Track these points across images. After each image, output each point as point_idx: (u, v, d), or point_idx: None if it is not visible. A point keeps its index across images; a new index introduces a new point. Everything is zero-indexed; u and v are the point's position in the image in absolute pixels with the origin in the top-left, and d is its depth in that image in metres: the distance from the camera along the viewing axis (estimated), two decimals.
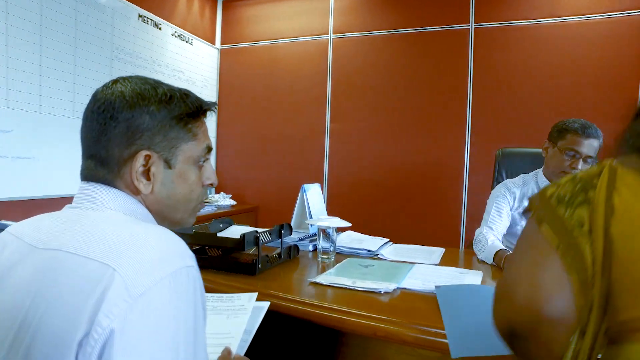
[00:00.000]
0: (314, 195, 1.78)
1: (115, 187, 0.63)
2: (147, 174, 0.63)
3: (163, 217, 0.68)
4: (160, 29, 2.84)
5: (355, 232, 1.91)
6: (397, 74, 3.03)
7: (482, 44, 2.82)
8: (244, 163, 3.42)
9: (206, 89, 3.32)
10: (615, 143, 0.66)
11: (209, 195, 3.11)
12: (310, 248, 1.61)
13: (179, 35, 3.02)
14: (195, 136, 0.68)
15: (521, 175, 1.77)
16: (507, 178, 2.16)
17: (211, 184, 0.75)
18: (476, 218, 2.87)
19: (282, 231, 1.38)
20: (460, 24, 2.87)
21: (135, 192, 0.63)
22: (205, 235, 1.28)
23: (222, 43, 3.48)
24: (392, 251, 1.60)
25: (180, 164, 0.66)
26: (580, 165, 1.52)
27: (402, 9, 3.00)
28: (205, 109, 0.70)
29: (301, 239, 1.63)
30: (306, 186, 1.75)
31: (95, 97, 0.64)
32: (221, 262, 1.24)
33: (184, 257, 0.55)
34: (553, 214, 0.57)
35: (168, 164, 0.65)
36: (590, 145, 1.52)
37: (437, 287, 1.09)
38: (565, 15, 2.65)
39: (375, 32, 3.07)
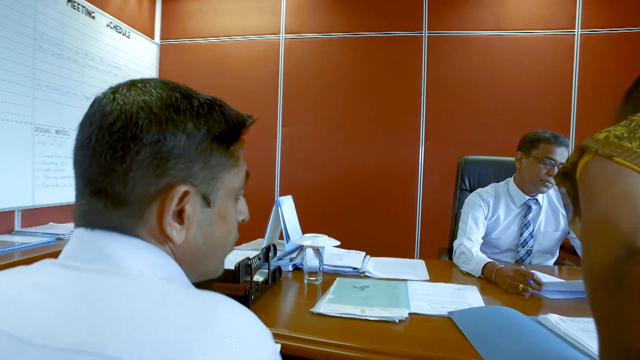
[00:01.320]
0: (288, 209, 1.66)
1: (136, 236, 0.45)
2: (180, 215, 0.46)
3: (192, 270, 0.51)
4: (93, 17, 2.50)
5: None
6: (352, 78, 2.99)
7: (435, 51, 2.88)
8: None
9: None
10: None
11: None
12: (290, 268, 1.49)
13: (114, 27, 2.68)
14: (237, 161, 0.53)
15: (492, 185, 1.80)
16: (470, 185, 2.21)
17: (243, 220, 0.60)
18: (430, 222, 2.95)
19: (269, 254, 1.24)
20: (414, 31, 2.90)
21: (162, 241, 0.46)
22: None
23: (162, 38, 3.17)
24: (376, 267, 1.53)
25: (221, 199, 0.50)
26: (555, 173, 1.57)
27: (356, 13, 2.96)
28: (249, 124, 0.55)
29: (279, 258, 1.50)
30: (281, 199, 1.61)
31: (102, 109, 0.45)
32: None
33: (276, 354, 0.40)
34: (621, 147, 0.57)
35: (207, 201, 0.48)
36: (562, 153, 1.58)
37: (450, 312, 1.03)
38: (509, 29, 2.80)
39: (329, 35, 3.00)
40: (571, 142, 2.76)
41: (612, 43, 2.70)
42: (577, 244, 1.67)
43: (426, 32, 2.88)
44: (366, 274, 1.43)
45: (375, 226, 3.01)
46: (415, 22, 2.90)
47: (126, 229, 0.45)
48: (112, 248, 0.43)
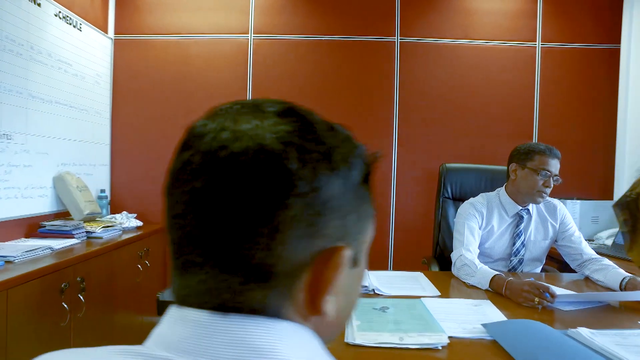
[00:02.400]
0: None
1: (285, 317, 0.34)
2: None
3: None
4: (39, 5, 2.19)
5: None
6: (323, 82, 2.91)
7: (407, 57, 2.89)
8: (148, 176, 2.90)
9: (98, 87, 2.71)
10: None
11: (110, 217, 2.54)
12: None
13: (64, 17, 2.38)
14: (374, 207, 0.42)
15: (482, 195, 1.82)
16: (452, 193, 2.23)
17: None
18: (404, 231, 2.95)
19: None
20: (386, 37, 2.89)
21: (306, 317, 0.35)
22: None
23: (116, 32, 2.89)
24: (380, 283, 1.46)
25: (364, 255, 0.40)
26: (552, 184, 1.61)
27: (329, 15, 2.90)
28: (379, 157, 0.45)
29: None
30: None
31: (221, 143, 0.32)
32: None
33: None
34: None
35: (355, 261, 0.37)
36: (556, 165, 1.63)
37: (484, 324, 1.00)
38: (477, 38, 2.89)
39: (301, 37, 2.90)
40: None
41: (570, 57, 2.88)
42: (565, 252, 1.73)
43: (399, 37, 2.89)
44: (375, 291, 1.37)
45: None
46: (388, 28, 2.89)
47: (272, 310, 0.33)
48: (263, 339, 0.32)
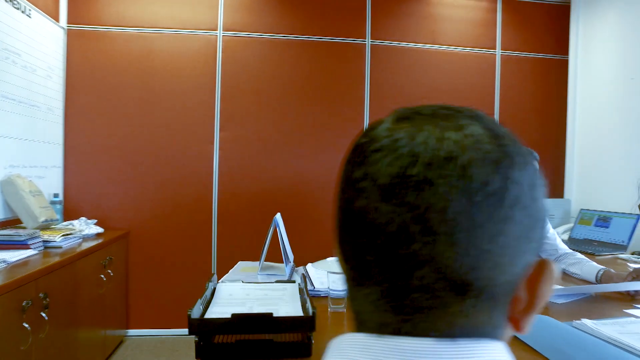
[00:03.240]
0: (282, 228, 1.50)
1: (499, 337, 0.32)
2: None
3: None
4: None
5: (314, 264, 1.70)
6: (295, 83, 2.88)
7: (378, 60, 2.94)
8: (107, 178, 2.69)
9: (50, 81, 2.47)
10: None
11: (66, 224, 2.32)
12: None
13: (10, 0, 2.14)
14: None
15: None
16: None
17: None
18: None
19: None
20: (357, 39, 2.91)
21: (504, 335, 0.33)
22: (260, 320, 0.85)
23: (70, 22, 2.65)
24: None
25: None
26: None
27: (300, 15, 2.87)
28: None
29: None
30: (277, 217, 1.45)
31: (446, 156, 0.30)
32: (269, 349, 0.88)
33: None
34: None
35: None
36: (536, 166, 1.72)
37: None
38: (443, 44, 3.00)
39: (271, 35, 2.84)
40: None
41: (526, 65, 3.08)
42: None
43: (369, 40, 2.92)
44: None
45: (319, 236, 2.94)
46: (359, 30, 2.92)
47: (492, 331, 0.31)
48: None
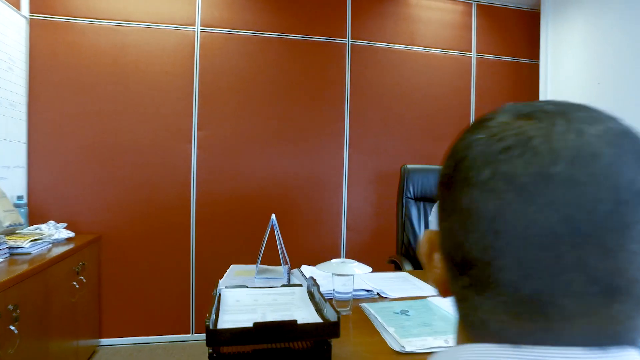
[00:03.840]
0: (278, 229, 1.45)
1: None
2: None
3: None
4: None
5: (308, 267, 1.66)
6: (276, 81, 2.82)
7: (358, 60, 2.93)
8: (76, 179, 2.53)
9: (12, 74, 2.28)
10: None
11: (33, 228, 2.15)
12: None
13: None
14: None
15: None
16: (413, 192, 2.31)
17: None
18: (355, 229, 2.99)
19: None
20: (338, 38, 2.90)
21: None
22: (284, 328, 0.80)
23: (32, 11, 2.46)
24: (381, 286, 1.45)
25: None
26: None
27: (280, 12, 2.81)
28: None
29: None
30: (274, 218, 1.40)
31: (593, 151, 0.28)
32: (288, 357, 0.83)
33: None
34: None
35: None
36: None
37: None
38: (422, 45, 3.04)
39: (251, 33, 2.77)
40: None
41: (500, 68, 3.18)
42: None
43: (349, 40, 2.92)
44: (381, 294, 1.35)
45: (300, 237, 2.90)
46: (340, 30, 2.90)
47: (634, 338, 0.29)
48: None
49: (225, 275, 1.41)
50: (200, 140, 2.71)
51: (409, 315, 1.14)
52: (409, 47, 3.02)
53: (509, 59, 3.20)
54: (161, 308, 2.67)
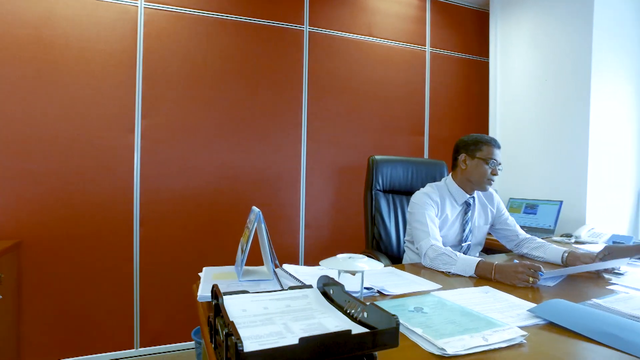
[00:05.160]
0: (264, 224, 1.27)
1: None
2: None
3: None
4: None
5: (291, 265, 1.51)
6: (229, 66, 2.60)
7: (316, 48, 2.81)
8: None
9: None
10: None
11: None
12: None
13: None
14: None
15: (431, 185, 1.85)
16: (383, 184, 2.24)
17: None
18: (314, 225, 2.85)
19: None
20: (295, 24, 2.75)
21: None
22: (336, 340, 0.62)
23: None
24: (378, 282, 1.34)
25: None
26: (498, 172, 1.74)
27: None
28: None
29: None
30: (259, 211, 1.22)
31: None
32: None
33: None
34: None
35: None
36: (500, 154, 1.76)
37: (530, 310, 0.98)
38: (379, 37, 2.99)
39: (203, 13, 2.52)
40: (426, 142, 3.17)
41: (453, 64, 3.24)
42: (502, 234, 1.89)
43: (307, 27, 2.78)
44: (382, 292, 1.23)
45: (255, 235, 2.70)
46: (297, 16, 2.75)
47: None
48: None
49: (201, 280, 1.21)
50: (145, 130, 2.41)
51: (426, 313, 1.04)
52: (366, 37, 2.95)
53: (462, 55, 3.28)
54: (98, 322, 2.32)
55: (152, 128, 2.42)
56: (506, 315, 1.03)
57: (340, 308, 0.84)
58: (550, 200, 2.50)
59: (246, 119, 2.65)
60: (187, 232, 2.51)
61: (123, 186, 2.36)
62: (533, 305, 1.10)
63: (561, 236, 2.29)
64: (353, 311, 0.79)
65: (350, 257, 1.07)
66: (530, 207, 2.55)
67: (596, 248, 1.95)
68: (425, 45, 3.14)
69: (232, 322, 0.63)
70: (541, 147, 2.75)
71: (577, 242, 2.12)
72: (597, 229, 2.18)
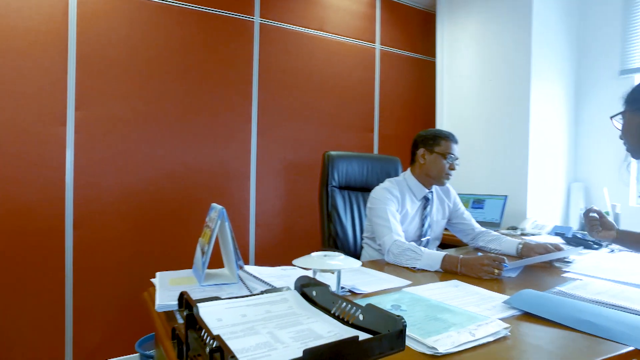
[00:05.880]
0: (228, 222, 1.17)
1: None
2: None
3: None
4: None
5: (251, 267, 1.41)
6: (174, 56, 2.42)
7: (267, 41, 2.70)
8: None
9: None
10: None
11: None
12: None
13: None
14: None
15: (391, 180, 1.84)
16: (338, 180, 2.20)
17: None
18: (265, 224, 2.75)
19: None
20: (245, 15, 2.62)
21: None
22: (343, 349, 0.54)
23: None
24: (349, 281, 1.29)
25: None
26: (455, 167, 1.76)
27: None
28: None
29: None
30: (221, 208, 1.12)
31: None
32: None
33: None
34: None
35: None
36: (457, 149, 1.79)
37: (505, 301, 0.99)
38: (331, 32, 2.96)
39: None
40: (375, 139, 3.19)
41: (402, 62, 3.29)
42: (459, 229, 1.93)
43: (258, 18, 2.67)
44: (353, 291, 1.18)
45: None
46: (248, 5, 2.63)
47: None
48: None
49: (157, 287, 1.08)
50: (79, 123, 2.17)
51: (405, 311, 1.00)
52: (319, 32, 2.91)
53: (410, 54, 3.34)
54: (22, 338, 2.05)
55: (87, 121, 2.18)
56: (483, 308, 1.02)
57: (325, 311, 0.78)
58: (496, 195, 2.62)
59: (193, 113, 2.48)
60: (128, 235, 2.30)
61: (53, 185, 2.10)
62: (503, 296, 1.11)
63: (507, 229, 2.40)
64: (343, 313, 0.73)
65: (325, 255, 1.01)
66: (478, 202, 2.66)
67: (541, 239, 2.06)
68: (375, 43, 3.16)
69: (219, 335, 0.54)
70: (486, 144, 2.87)
71: (522, 235, 2.23)
72: (539, 221, 2.31)
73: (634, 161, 1.16)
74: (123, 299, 2.28)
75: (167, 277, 1.17)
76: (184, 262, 2.13)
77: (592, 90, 2.78)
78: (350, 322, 0.70)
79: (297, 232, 2.83)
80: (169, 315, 0.95)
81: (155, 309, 0.93)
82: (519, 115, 2.68)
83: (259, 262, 2.73)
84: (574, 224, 2.62)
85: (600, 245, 1.84)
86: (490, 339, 0.83)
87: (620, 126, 1.15)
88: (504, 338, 0.85)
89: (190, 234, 2.46)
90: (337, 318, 0.74)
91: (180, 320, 0.89)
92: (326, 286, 0.79)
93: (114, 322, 2.27)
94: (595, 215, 1.47)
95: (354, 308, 0.70)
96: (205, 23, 2.50)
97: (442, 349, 0.78)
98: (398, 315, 0.61)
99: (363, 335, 0.61)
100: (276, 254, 2.76)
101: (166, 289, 1.06)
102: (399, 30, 3.28)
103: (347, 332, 0.67)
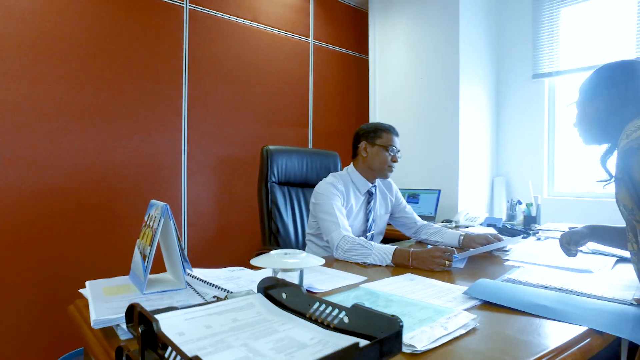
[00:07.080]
0: (173, 220, 1.03)
1: None
2: None
3: None
4: None
5: (199, 270, 1.29)
6: (94, 40, 2.15)
7: (197, 28, 2.52)
8: None
9: None
10: None
11: None
12: None
13: None
14: None
15: (334, 175, 1.80)
16: (278, 176, 2.12)
17: None
18: (198, 224, 2.56)
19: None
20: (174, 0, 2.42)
21: None
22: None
23: None
24: (308, 280, 1.22)
25: None
26: (397, 159, 1.77)
27: None
28: None
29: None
30: (163, 205, 0.98)
31: None
32: None
33: None
34: None
35: None
36: (399, 141, 1.80)
37: (465, 292, 0.99)
38: (264, 24, 2.85)
39: None
40: (310, 134, 3.15)
41: (335, 58, 3.28)
42: (401, 222, 1.95)
43: (188, 4, 2.47)
44: (311, 290, 1.12)
45: (130, 238, 2.32)
46: None
47: None
48: None
49: (90, 299, 0.91)
50: None
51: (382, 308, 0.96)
52: (251, 23, 2.78)
53: (343, 50, 3.34)
54: None
55: (2, 110, 1.84)
56: (445, 301, 1.01)
57: (299, 314, 0.70)
58: (430, 190, 2.72)
59: (116, 104, 2.23)
60: (45, 240, 1.99)
61: None
62: (460, 287, 1.12)
63: (442, 222, 2.49)
64: (321, 317, 0.66)
65: (286, 254, 0.93)
66: (413, 197, 2.73)
67: (478, 230, 2.16)
68: (309, 37, 3.11)
69: (197, 356, 0.44)
70: (419, 140, 2.97)
71: (457, 227, 2.33)
72: (470, 213, 2.43)
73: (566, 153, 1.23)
74: (37, 311, 1.97)
75: (99, 286, 1.00)
76: (115, 267, 1.91)
77: (510, 92, 3.01)
78: (331, 326, 0.64)
79: (232, 231, 2.69)
80: (106, 331, 0.80)
81: (90, 325, 0.78)
82: (449, 112, 2.80)
83: (194, 264, 2.53)
84: (500, 214, 2.81)
85: (529, 234, 1.98)
86: (462, 331, 0.82)
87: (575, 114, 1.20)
88: (474, 330, 0.84)
89: (119, 236, 2.21)
90: (314, 322, 0.66)
91: (124, 337, 0.75)
92: (298, 287, 0.72)
93: (27, 340, 1.96)
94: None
95: (337, 310, 0.63)
96: (129, 5, 2.26)
97: (420, 345, 0.74)
98: (393, 315, 0.55)
99: (352, 340, 0.54)
100: (212, 254, 2.60)
101: (101, 300, 0.90)
102: (332, 27, 3.27)
103: (332, 338, 0.60)
